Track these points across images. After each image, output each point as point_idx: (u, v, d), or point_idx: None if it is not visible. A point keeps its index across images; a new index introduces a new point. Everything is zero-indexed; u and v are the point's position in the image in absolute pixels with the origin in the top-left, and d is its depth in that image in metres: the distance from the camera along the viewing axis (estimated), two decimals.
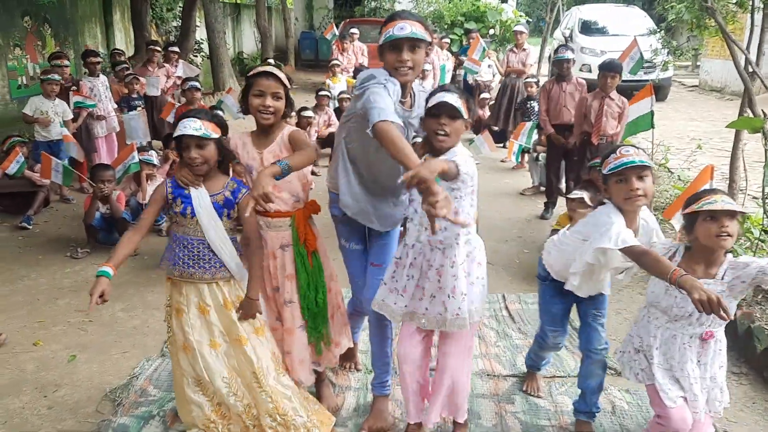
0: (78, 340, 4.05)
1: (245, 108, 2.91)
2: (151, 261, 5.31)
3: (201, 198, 2.74)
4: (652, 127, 6.02)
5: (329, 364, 3.30)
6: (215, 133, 2.71)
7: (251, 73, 2.86)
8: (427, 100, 2.78)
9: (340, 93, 9.87)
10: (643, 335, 2.85)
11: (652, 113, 5.96)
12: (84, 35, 11.39)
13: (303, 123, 8.44)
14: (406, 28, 2.71)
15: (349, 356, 3.67)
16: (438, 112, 2.69)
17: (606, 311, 3.18)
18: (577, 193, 4.73)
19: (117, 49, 8.81)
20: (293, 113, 3.43)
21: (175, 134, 2.69)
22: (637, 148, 2.81)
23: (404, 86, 2.84)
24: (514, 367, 3.80)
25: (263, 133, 2.92)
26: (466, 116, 2.71)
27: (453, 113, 2.68)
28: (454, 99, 2.67)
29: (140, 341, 4.03)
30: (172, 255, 2.81)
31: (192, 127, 2.64)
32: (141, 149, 5.97)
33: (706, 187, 5.69)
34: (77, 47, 10.96)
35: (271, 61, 13.65)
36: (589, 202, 4.87)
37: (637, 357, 2.89)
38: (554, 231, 4.86)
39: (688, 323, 2.70)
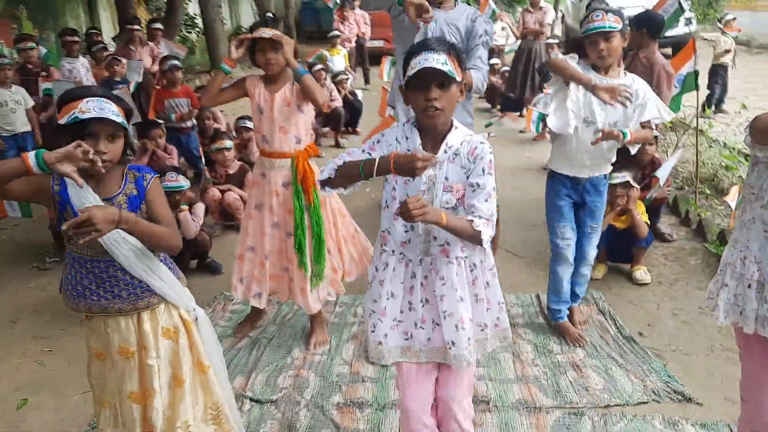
0: (33, 378, 3.39)
1: (254, 61, 3.32)
2: None
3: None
4: (696, 88, 5.22)
5: (339, 291, 3.68)
6: (126, 122, 2.03)
7: (252, 36, 3.22)
8: (406, 61, 2.05)
9: (338, 74, 9.01)
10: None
11: (696, 73, 5.16)
12: (65, 16, 10.64)
13: (316, 76, 7.83)
14: None
15: None
16: (423, 83, 1.98)
17: (600, 224, 3.52)
18: (618, 176, 4.00)
19: (93, 29, 8.04)
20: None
21: (82, 115, 1.89)
22: (606, 11, 3.14)
23: None
24: (559, 393, 3.09)
25: (271, 80, 3.32)
26: (459, 78, 2.01)
27: (443, 79, 1.98)
28: (440, 60, 1.95)
29: None
30: (74, 283, 2.08)
31: (110, 111, 1.93)
32: None
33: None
34: (58, 29, 10.21)
35: (270, 14, 12.79)
36: (633, 183, 4.14)
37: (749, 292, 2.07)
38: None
39: None
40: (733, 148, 6.49)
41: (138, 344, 2.13)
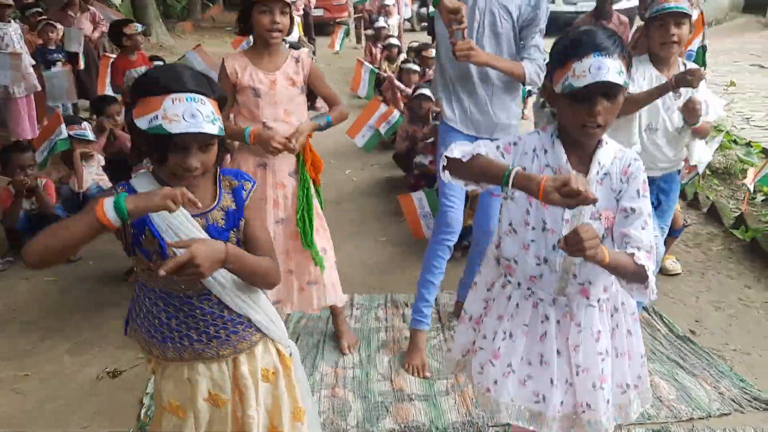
0: (13, 412, 2.79)
1: (245, 28, 2.72)
2: (100, 267, 4.04)
3: (181, 229, 1.52)
4: (704, 65, 5.00)
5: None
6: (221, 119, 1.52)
7: None
8: (562, 55, 1.61)
9: (299, 46, 8.39)
10: None
11: (704, 48, 4.93)
12: None
13: None
14: None
15: (415, 355, 3.08)
16: (589, 95, 1.57)
17: (668, 225, 3.23)
18: None
19: None
20: None
21: (170, 127, 1.39)
22: None
23: None
24: None
25: (267, 54, 2.74)
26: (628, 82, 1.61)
27: (614, 91, 1.58)
28: (616, 69, 1.54)
29: (105, 403, 2.81)
30: (157, 324, 1.62)
31: (205, 117, 1.42)
32: (69, 121, 4.53)
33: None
34: None
35: None
36: None
37: None
38: None
39: None
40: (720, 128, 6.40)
41: (233, 391, 1.68)
